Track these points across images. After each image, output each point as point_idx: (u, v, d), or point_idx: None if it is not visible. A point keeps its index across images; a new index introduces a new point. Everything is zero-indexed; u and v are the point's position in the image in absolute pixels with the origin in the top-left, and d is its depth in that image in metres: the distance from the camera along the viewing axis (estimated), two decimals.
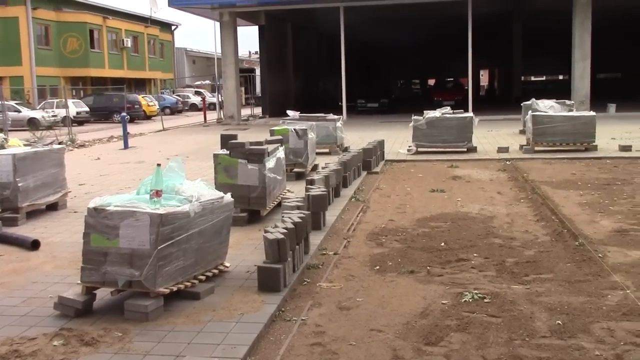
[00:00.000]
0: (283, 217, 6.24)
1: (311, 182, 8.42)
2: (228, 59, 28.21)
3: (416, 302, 5.19)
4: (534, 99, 17.92)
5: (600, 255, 6.33)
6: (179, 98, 47.00)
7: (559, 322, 4.69)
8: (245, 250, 6.63)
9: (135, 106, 34.95)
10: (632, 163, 12.49)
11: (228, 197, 5.78)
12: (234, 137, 8.72)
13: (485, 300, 5.17)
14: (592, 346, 4.29)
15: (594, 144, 14.03)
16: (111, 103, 34.94)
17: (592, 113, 14.66)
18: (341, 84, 27.70)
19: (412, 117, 14.81)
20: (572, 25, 25.24)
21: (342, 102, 28.06)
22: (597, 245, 6.70)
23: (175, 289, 5.05)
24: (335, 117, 15.01)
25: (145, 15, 50.48)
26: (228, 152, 7.97)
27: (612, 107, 25.40)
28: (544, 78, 62.43)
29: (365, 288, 5.61)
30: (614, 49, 47.46)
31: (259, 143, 8.23)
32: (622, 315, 4.79)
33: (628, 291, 5.30)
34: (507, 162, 13.17)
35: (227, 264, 5.90)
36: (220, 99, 32.84)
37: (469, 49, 26.49)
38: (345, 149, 14.40)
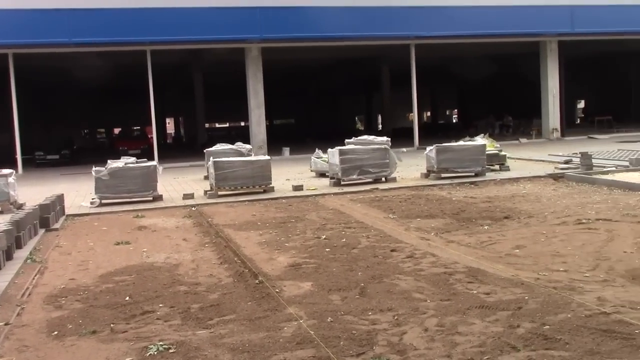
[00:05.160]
0: None
1: None
2: None
3: None
4: (218, 144, 19.16)
5: (277, 290, 6.78)
6: None
7: None
8: None
9: None
10: (304, 201, 13.73)
11: None
12: None
13: (171, 351, 5.15)
14: None
15: (271, 185, 15.08)
16: None
17: (268, 157, 15.78)
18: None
19: (93, 169, 14.29)
20: (246, 76, 27.08)
21: (17, 155, 25.93)
22: (274, 281, 7.17)
23: None
24: (7, 172, 13.77)
25: None
26: None
27: (286, 151, 27.77)
28: (227, 125, 65.45)
29: (42, 358, 5.18)
30: (287, 97, 52.31)
31: None
32: (297, 345, 5.17)
33: (301, 321, 5.76)
34: (193, 208, 13.44)
35: None
36: None
37: (151, 97, 26.72)
38: (20, 206, 13.28)
